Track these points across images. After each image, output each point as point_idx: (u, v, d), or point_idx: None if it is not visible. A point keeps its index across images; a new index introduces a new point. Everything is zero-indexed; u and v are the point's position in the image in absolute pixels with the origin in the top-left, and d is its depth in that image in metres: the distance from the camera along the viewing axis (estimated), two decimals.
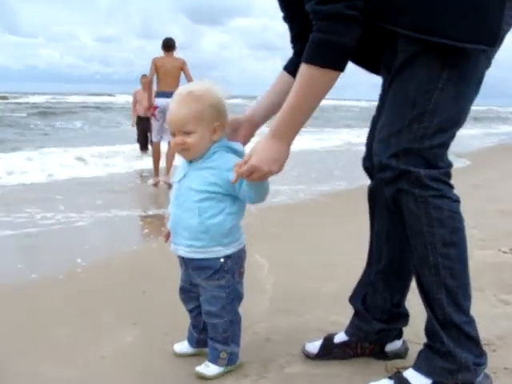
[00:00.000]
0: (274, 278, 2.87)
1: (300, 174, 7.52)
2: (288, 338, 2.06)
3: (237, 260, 1.78)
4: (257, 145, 1.60)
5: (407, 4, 1.46)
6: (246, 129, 1.86)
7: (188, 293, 1.88)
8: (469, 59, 1.49)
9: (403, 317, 1.87)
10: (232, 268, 1.76)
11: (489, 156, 10.89)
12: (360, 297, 1.88)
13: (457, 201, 1.57)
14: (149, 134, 7.71)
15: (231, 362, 1.81)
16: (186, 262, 1.80)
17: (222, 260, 1.74)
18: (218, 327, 1.78)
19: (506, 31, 1.54)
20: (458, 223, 1.57)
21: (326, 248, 3.52)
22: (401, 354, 1.88)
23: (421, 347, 1.66)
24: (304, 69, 1.51)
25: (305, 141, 12.07)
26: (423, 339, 1.65)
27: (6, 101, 36.52)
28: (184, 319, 1.97)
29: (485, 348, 1.62)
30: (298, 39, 1.81)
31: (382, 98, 1.75)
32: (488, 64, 1.57)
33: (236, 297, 1.79)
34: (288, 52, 1.91)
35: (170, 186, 6.15)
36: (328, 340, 1.91)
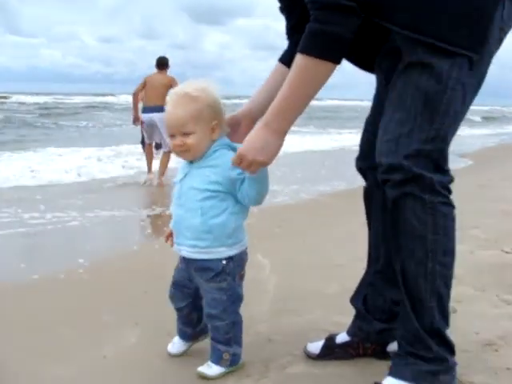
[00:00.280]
0: (276, 278, 2.87)
1: (300, 174, 7.51)
2: (290, 338, 2.06)
3: (239, 262, 1.78)
4: (249, 133, 1.58)
5: (406, 3, 1.46)
6: (245, 125, 1.83)
7: (182, 288, 1.86)
8: (475, 59, 1.48)
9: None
10: (233, 271, 1.76)
11: (491, 156, 10.88)
12: (361, 297, 1.88)
13: (455, 208, 1.57)
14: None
15: (234, 363, 1.81)
16: (188, 263, 1.80)
17: (224, 262, 1.74)
18: (220, 329, 1.77)
19: (506, 32, 1.54)
20: (455, 232, 1.57)
21: (328, 248, 3.52)
22: None
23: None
24: (299, 59, 1.48)
25: (305, 141, 12.07)
26: None
27: (8, 100, 36.56)
28: None
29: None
30: (295, 30, 1.75)
31: (377, 98, 1.74)
32: (489, 65, 1.57)
33: (236, 299, 1.79)
34: None
35: (162, 185, 6.63)
36: (330, 340, 1.91)
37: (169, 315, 1.98)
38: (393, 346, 1.86)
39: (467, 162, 8.57)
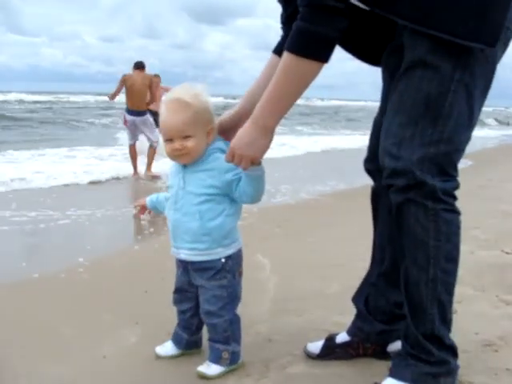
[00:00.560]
0: (276, 277, 2.87)
1: (301, 174, 7.51)
2: (290, 338, 2.06)
3: (237, 260, 1.81)
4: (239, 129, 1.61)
5: None
6: (243, 121, 1.84)
7: (185, 293, 1.88)
8: (479, 60, 1.45)
9: (405, 318, 1.87)
10: (233, 268, 1.79)
11: (491, 157, 10.87)
12: (363, 297, 1.87)
13: (460, 214, 1.56)
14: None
15: (233, 362, 1.81)
16: (186, 265, 1.81)
17: (223, 260, 1.76)
18: (218, 327, 1.78)
19: None
20: (459, 238, 1.56)
21: (328, 248, 3.52)
22: None
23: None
24: (285, 57, 1.49)
25: (305, 141, 12.06)
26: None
27: (9, 98, 36.56)
28: None
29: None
30: (292, 19, 1.77)
31: (385, 98, 1.72)
32: (496, 66, 1.53)
33: (235, 297, 1.81)
34: None
35: (154, 177, 7.37)
36: (330, 340, 1.91)
37: (169, 315, 1.99)
38: (393, 346, 1.86)
39: (467, 163, 8.56)
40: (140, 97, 7.70)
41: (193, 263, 1.79)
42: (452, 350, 1.58)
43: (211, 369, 1.78)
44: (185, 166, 1.77)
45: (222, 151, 1.74)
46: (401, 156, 1.48)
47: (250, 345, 1.94)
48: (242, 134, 1.58)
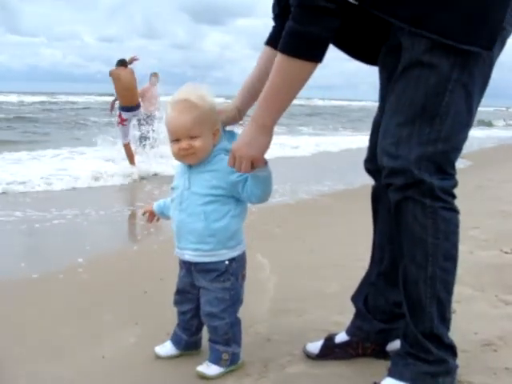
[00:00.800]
0: (276, 277, 2.87)
1: (300, 174, 7.51)
2: (289, 338, 2.06)
3: (241, 262, 1.81)
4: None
5: None
6: (241, 114, 1.88)
7: (186, 294, 1.88)
8: (477, 60, 1.46)
9: (404, 317, 1.87)
10: (236, 270, 1.78)
11: (490, 157, 10.88)
12: (362, 296, 1.88)
13: (459, 213, 1.57)
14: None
15: (233, 363, 1.81)
16: (190, 266, 1.81)
17: (226, 262, 1.76)
18: (219, 329, 1.78)
19: (509, 32, 1.51)
20: (458, 238, 1.57)
21: (328, 248, 3.52)
22: None
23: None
24: (278, 57, 1.50)
25: (306, 142, 12.06)
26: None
27: (9, 99, 36.54)
28: None
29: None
30: (285, 11, 1.73)
31: (382, 98, 1.73)
32: (493, 65, 1.54)
33: (237, 300, 1.81)
34: None
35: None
36: (329, 340, 1.91)
37: (169, 315, 1.99)
38: (392, 346, 1.87)
39: (466, 163, 8.56)
40: (132, 91, 7.92)
41: (196, 264, 1.78)
42: (451, 349, 1.59)
43: (211, 369, 1.79)
44: (190, 167, 1.78)
45: (227, 152, 1.74)
46: (399, 155, 1.49)
47: (249, 345, 1.94)
48: (243, 134, 1.60)
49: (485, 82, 1.54)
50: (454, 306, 2.14)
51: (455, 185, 1.55)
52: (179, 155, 1.75)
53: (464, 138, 1.54)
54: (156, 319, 2.25)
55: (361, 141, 10.10)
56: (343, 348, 1.88)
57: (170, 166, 6.29)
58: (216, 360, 1.79)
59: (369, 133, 1.82)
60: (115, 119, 8.19)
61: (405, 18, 1.45)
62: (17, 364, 1.93)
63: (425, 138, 1.47)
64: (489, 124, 28.04)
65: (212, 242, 1.74)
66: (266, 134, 1.58)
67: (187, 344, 1.93)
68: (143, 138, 8.87)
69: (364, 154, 1.85)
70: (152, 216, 2.04)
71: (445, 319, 1.57)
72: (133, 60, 8.30)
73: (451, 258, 1.55)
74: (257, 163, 1.61)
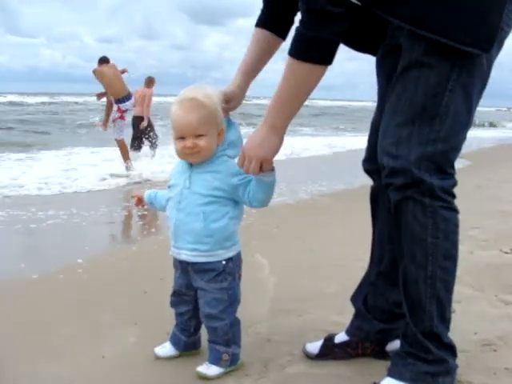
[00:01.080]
0: (275, 278, 2.87)
1: (300, 175, 7.51)
2: (289, 338, 2.06)
3: (237, 262, 1.81)
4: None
5: None
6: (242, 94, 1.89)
7: (182, 296, 1.88)
8: (476, 60, 1.46)
9: (404, 317, 1.87)
10: (233, 270, 1.79)
11: (489, 156, 10.88)
12: (361, 296, 1.88)
13: (458, 213, 1.57)
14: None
15: (233, 363, 1.81)
16: (187, 266, 1.81)
17: (224, 262, 1.76)
18: (219, 330, 1.78)
19: (507, 32, 1.52)
20: (458, 237, 1.57)
21: (328, 248, 3.52)
22: None
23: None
24: (288, 61, 1.52)
25: (306, 142, 12.05)
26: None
27: (10, 100, 36.57)
28: None
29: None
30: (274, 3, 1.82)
31: (381, 99, 1.73)
32: (491, 66, 1.55)
33: (235, 300, 1.81)
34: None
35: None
36: (329, 340, 1.91)
37: (168, 315, 1.99)
38: (392, 346, 1.87)
39: (465, 163, 8.57)
40: (119, 83, 8.01)
41: (194, 264, 1.78)
42: (451, 349, 1.59)
43: (211, 369, 1.79)
44: (191, 166, 1.77)
45: (230, 157, 1.77)
46: (399, 155, 1.50)
47: (249, 345, 1.94)
48: (254, 134, 1.62)
49: (483, 83, 1.54)
50: (454, 305, 2.14)
51: (455, 184, 1.55)
52: (183, 153, 1.74)
53: (463, 138, 1.55)
54: (156, 319, 2.25)
55: (359, 141, 10.10)
56: (343, 348, 1.88)
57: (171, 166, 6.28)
58: (216, 360, 1.79)
59: (367, 133, 1.83)
60: (113, 115, 8.17)
61: (405, 17, 1.45)
62: (17, 364, 1.93)
63: (424, 137, 1.48)
64: (496, 125, 28.25)
65: (209, 242, 1.74)
66: (276, 135, 1.60)
67: (186, 344, 1.93)
68: (147, 141, 8.89)
69: (362, 155, 1.85)
70: (139, 202, 2.06)
71: (445, 319, 1.57)
72: (123, 72, 8.39)
73: (451, 257, 1.55)
74: (266, 165, 1.62)
